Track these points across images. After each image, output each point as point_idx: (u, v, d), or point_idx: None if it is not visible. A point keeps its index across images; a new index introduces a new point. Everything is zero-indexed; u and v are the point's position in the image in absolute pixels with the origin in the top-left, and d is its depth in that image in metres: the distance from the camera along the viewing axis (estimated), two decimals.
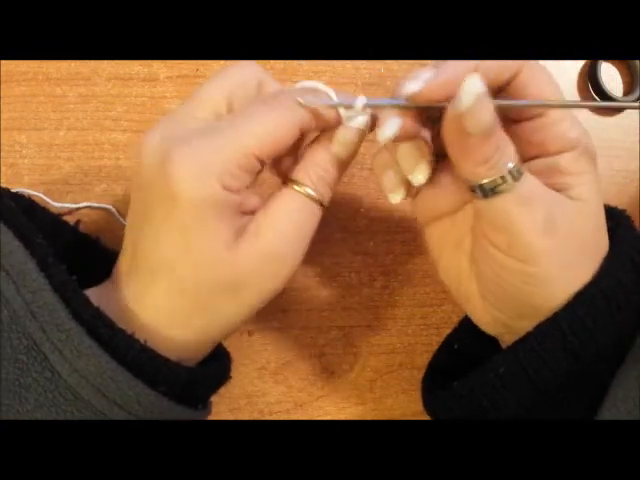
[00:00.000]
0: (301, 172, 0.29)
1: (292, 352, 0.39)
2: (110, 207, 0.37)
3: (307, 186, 0.28)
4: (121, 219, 0.37)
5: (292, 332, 0.39)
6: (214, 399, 0.37)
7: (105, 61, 0.38)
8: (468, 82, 0.24)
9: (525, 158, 0.28)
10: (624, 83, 0.44)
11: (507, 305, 0.29)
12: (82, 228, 0.34)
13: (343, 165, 0.29)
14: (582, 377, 0.27)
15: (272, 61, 0.40)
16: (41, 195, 0.36)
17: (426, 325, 0.40)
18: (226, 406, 0.38)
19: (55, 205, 0.36)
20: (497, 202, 0.26)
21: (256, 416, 0.38)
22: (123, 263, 0.29)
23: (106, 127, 0.38)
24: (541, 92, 0.27)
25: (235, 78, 0.29)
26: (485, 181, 0.26)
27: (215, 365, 0.30)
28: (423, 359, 0.40)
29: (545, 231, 0.26)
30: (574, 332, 0.26)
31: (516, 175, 0.26)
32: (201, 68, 0.39)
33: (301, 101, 0.28)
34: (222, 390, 0.37)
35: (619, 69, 0.44)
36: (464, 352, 0.34)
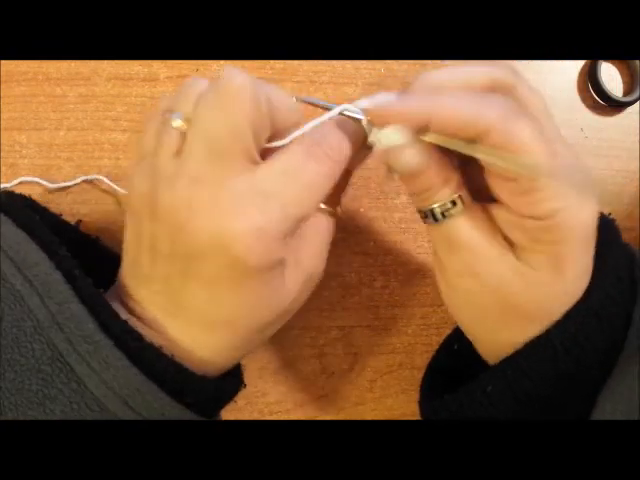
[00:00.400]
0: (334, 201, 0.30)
1: (292, 352, 0.39)
2: (103, 178, 0.37)
3: (328, 204, 0.29)
4: (114, 185, 0.37)
5: (292, 332, 0.39)
6: None
7: (105, 61, 0.38)
8: (384, 132, 0.25)
9: (499, 199, 0.27)
10: (624, 83, 0.44)
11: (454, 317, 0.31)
12: (82, 228, 0.34)
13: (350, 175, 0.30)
14: (569, 391, 0.27)
15: (272, 61, 0.40)
16: (37, 179, 0.36)
17: (426, 325, 0.40)
18: (226, 406, 0.38)
19: (50, 186, 0.36)
20: (429, 228, 0.28)
21: (256, 416, 0.38)
22: (153, 296, 0.27)
23: (106, 127, 0.38)
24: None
25: (245, 105, 0.25)
26: (416, 206, 0.28)
27: (234, 376, 0.30)
28: (423, 359, 0.40)
29: (464, 274, 0.27)
30: (567, 350, 0.26)
31: (438, 217, 0.27)
32: (201, 68, 0.39)
33: (298, 99, 0.28)
34: None
35: (619, 69, 0.44)
36: (464, 352, 0.34)
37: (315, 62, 0.40)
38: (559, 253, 0.25)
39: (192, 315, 0.27)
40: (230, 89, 0.25)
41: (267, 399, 0.38)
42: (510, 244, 0.27)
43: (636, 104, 0.43)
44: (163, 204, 0.25)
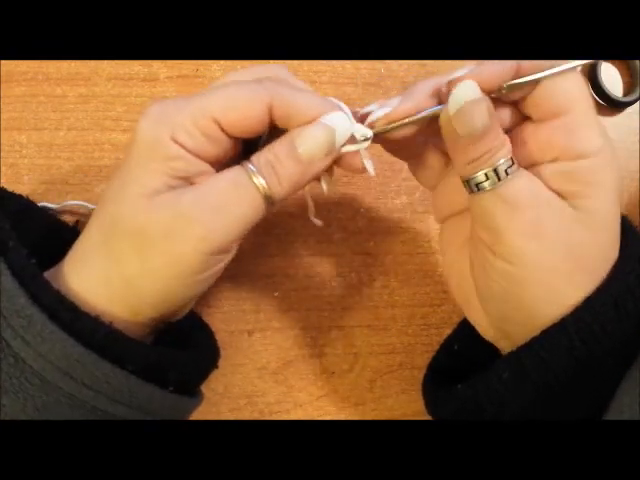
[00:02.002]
0: (255, 154, 0.28)
1: (292, 352, 0.39)
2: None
3: (255, 169, 0.27)
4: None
5: (292, 332, 0.39)
6: (214, 399, 0.38)
7: (105, 61, 0.38)
8: (457, 89, 0.26)
9: (542, 160, 0.28)
10: (624, 83, 0.44)
11: (495, 307, 0.29)
12: (81, 228, 0.34)
13: (301, 164, 0.27)
14: (586, 381, 0.27)
15: (272, 61, 0.40)
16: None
17: (426, 325, 0.40)
18: (226, 406, 0.38)
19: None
20: (481, 199, 0.27)
21: (256, 416, 0.38)
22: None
23: (106, 127, 0.38)
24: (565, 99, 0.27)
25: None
26: (471, 177, 0.27)
27: (191, 351, 0.30)
28: (423, 359, 0.40)
29: (529, 235, 0.27)
30: (582, 338, 0.26)
31: (502, 175, 0.26)
32: (201, 68, 0.39)
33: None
34: (222, 390, 0.38)
35: (619, 69, 0.44)
36: (464, 353, 0.34)
37: (315, 62, 0.40)
38: (608, 192, 0.27)
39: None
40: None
41: (267, 399, 0.38)
42: (561, 197, 0.27)
43: (636, 104, 0.43)
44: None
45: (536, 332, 0.27)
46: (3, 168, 0.37)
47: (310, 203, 0.32)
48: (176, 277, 0.27)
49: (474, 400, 0.28)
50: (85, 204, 0.37)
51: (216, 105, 0.26)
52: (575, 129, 0.27)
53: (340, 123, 0.27)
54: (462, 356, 0.34)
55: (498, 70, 0.26)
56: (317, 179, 0.29)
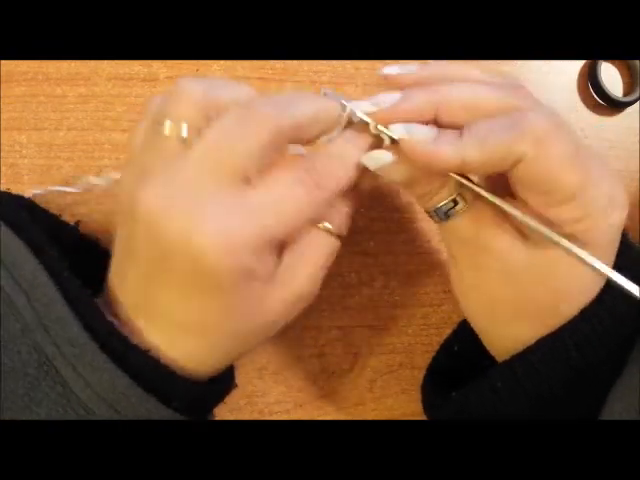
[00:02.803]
0: (333, 215, 0.28)
1: (292, 352, 0.39)
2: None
3: (334, 226, 0.28)
4: None
5: (292, 332, 0.39)
6: None
7: (105, 61, 0.38)
8: (367, 157, 0.27)
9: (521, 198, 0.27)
10: (624, 83, 0.44)
11: (471, 320, 0.31)
12: (82, 228, 0.34)
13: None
14: (580, 390, 0.27)
15: (272, 61, 0.40)
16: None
17: (426, 325, 0.40)
18: (226, 406, 0.38)
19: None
20: (438, 226, 0.29)
21: (256, 416, 0.38)
22: (129, 298, 0.27)
23: (106, 127, 0.38)
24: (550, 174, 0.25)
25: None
26: (423, 208, 0.28)
27: (224, 377, 0.30)
28: (423, 359, 0.40)
29: (473, 269, 0.28)
30: (579, 349, 0.26)
31: (441, 215, 0.27)
32: (201, 68, 0.39)
33: (326, 92, 0.28)
34: None
35: (619, 69, 0.44)
36: (464, 354, 0.34)
37: (315, 62, 0.40)
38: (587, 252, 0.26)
39: (165, 317, 0.26)
40: (256, 117, 0.25)
41: (267, 399, 0.38)
42: (521, 235, 0.27)
43: (636, 104, 0.43)
44: (143, 203, 0.24)
45: (495, 354, 0.29)
46: (3, 168, 0.37)
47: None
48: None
49: (467, 408, 0.28)
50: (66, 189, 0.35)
51: (274, 225, 0.25)
52: (555, 204, 0.25)
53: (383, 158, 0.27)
54: (462, 357, 0.34)
55: (409, 108, 0.26)
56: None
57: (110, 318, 0.26)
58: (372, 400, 0.39)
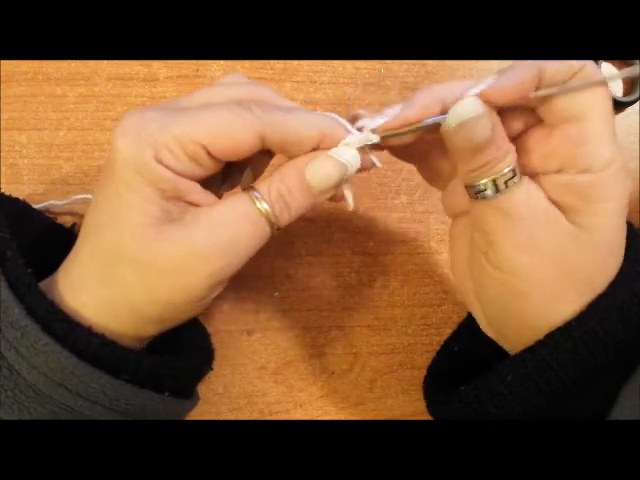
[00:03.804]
0: (263, 183, 0.27)
1: (292, 352, 0.39)
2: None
3: (263, 198, 0.27)
4: None
5: (292, 332, 0.39)
6: (214, 399, 0.38)
7: (105, 61, 0.38)
8: (457, 106, 0.26)
9: (548, 169, 0.27)
10: (624, 83, 0.44)
11: (491, 311, 0.29)
12: (78, 230, 0.34)
13: (312, 196, 0.28)
14: (590, 385, 0.27)
15: (272, 61, 0.40)
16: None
17: (426, 325, 0.40)
18: (226, 406, 0.38)
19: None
20: (480, 206, 0.27)
21: (256, 416, 0.38)
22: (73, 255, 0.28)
23: (106, 127, 0.38)
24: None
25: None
26: (472, 185, 0.27)
27: (186, 355, 0.30)
28: (423, 359, 0.40)
29: (521, 247, 0.27)
30: (585, 343, 0.26)
31: (501, 187, 0.26)
32: (201, 68, 0.39)
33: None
34: (222, 390, 0.38)
35: (619, 69, 0.44)
36: (464, 354, 0.34)
37: (315, 62, 0.40)
38: (610, 210, 0.26)
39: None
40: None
41: (267, 399, 0.38)
42: (562, 210, 0.27)
43: (636, 104, 0.43)
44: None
45: (528, 342, 0.28)
46: (3, 168, 0.37)
47: (350, 197, 0.30)
48: (182, 304, 0.27)
49: (477, 402, 0.28)
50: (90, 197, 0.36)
51: (204, 131, 0.25)
52: (584, 141, 0.26)
53: (351, 157, 0.27)
54: (462, 357, 0.34)
55: (517, 84, 0.26)
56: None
57: (55, 297, 0.26)
58: (372, 400, 0.39)
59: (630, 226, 0.29)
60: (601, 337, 0.26)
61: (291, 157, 0.28)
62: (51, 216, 0.34)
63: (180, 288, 0.26)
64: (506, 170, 0.26)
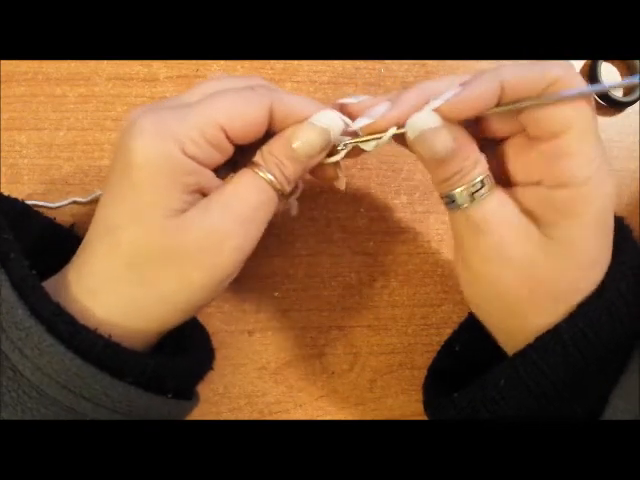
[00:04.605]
0: (259, 157, 0.28)
1: (292, 352, 0.39)
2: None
3: (267, 170, 0.28)
4: None
5: (292, 332, 0.39)
6: (214, 399, 0.37)
7: (105, 61, 0.38)
8: (413, 118, 0.26)
9: (526, 180, 0.27)
10: None
11: (476, 312, 0.30)
12: (81, 229, 0.34)
13: (302, 163, 0.28)
14: (581, 386, 0.27)
15: (272, 61, 0.40)
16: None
17: (426, 325, 0.40)
18: (226, 406, 0.38)
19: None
20: (453, 216, 0.28)
21: (256, 416, 0.38)
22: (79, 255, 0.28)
23: (106, 127, 0.38)
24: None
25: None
26: (444, 194, 0.28)
27: (188, 356, 0.30)
28: (423, 359, 0.40)
29: (490, 259, 0.27)
30: (576, 344, 0.26)
31: (470, 198, 0.27)
32: (201, 68, 0.39)
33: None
34: (222, 390, 0.38)
35: (619, 69, 0.44)
36: (465, 354, 0.34)
37: (315, 62, 0.40)
38: (586, 225, 0.26)
39: (89, 232, 0.27)
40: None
41: (267, 399, 0.38)
42: (534, 222, 0.27)
43: (636, 104, 0.43)
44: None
45: (513, 341, 0.28)
46: (3, 168, 0.37)
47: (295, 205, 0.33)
48: (214, 286, 0.27)
49: (471, 407, 0.28)
50: (80, 199, 0.36)
51: (222, 113, 0.26)
52: (562, 156, 0.26)
53: (329, 119, 0.28)
54: (463, 357, 0.34)
55: (475, 99, 0.25)
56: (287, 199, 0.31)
57: (62, 298, 0.26)
58: (372, 400, 0.39)
59: (621, 226, 0.29)
60: (591, 338, 0.26)
61: None
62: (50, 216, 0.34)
63: (211, 267, 0.27)
64: (476, 180, 0.26)
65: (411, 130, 0.26)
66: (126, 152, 0.26)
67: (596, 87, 0.26)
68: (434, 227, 0.41)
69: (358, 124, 0.28)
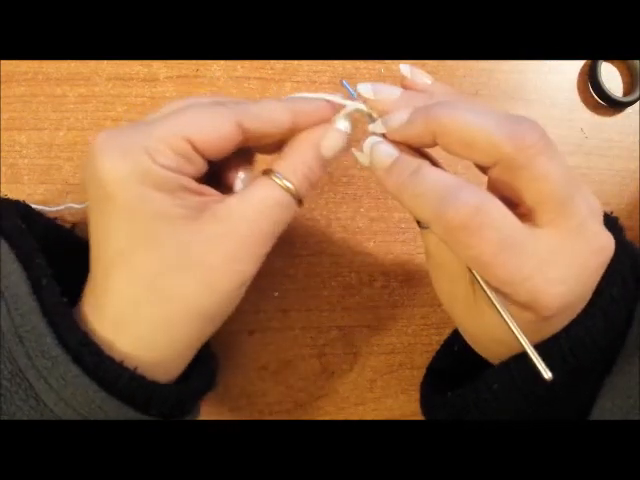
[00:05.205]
0: (286, 166, 0.28)
1: (292, 352, 0.39)
2: None
3: (290, 181, 0.27)
4: None
5: (292, 332, 0.39)
6: (214, 399, 0.37)
7: (105, 61, 0.38)
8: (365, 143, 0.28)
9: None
10: (624, 83, 0.44)
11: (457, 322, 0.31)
12: (81, 229, 0.34)
13: (326, 167, 0.29)
14: (574, 390, 0.27)
15: (272, 61, 0.40)
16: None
17: (426, 325, 0.40)
18: (226, 406, 0.38)
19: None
20: (422, 234, 0.29)
21: (256, 416, 0.38)
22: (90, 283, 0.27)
23: (106, 127, 0.38)
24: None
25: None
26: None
27: (201, 374, 0.29)
28: (423, 359, 0.40)
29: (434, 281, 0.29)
30: (572, 351, 0.26)
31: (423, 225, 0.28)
32: (201, 68, 0.39)
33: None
34: (222, 390, 0.38)
35: (619, 69, 0.44)
36: (464, 354, 0.34)
37: (315, 62, 0.40)
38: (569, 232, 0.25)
39: (93, 264, 0.27)
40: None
41: (267, 399, 0.38)
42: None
43: (636, 104, 0.43)
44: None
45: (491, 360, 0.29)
46: (3, 168, 0.37)
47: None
48: (237, 289, 0.27)
49: (464, 409, 0.28)
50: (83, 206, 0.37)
51: (186, 125, 0.26)
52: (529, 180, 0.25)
53: (345, 127, 0.29)
54: (462, 357, 0.34)
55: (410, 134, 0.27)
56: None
57: (86, 328, 0.25)
58: (372, 400, 0.39)
59: (615, 231, 0.28)
60: (588, 346, 0.26)
61: (267, 146, 0.29)
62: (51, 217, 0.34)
63: (235, 273, 0.26)
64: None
65: (365, 156, 0.28)
66: (95, 176, 0.25)
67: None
68: None
69: (375, 128, 0.28)
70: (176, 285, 0.25)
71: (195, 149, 0.26)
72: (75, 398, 0.24)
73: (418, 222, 0.29)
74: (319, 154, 0.28)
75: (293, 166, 0.28)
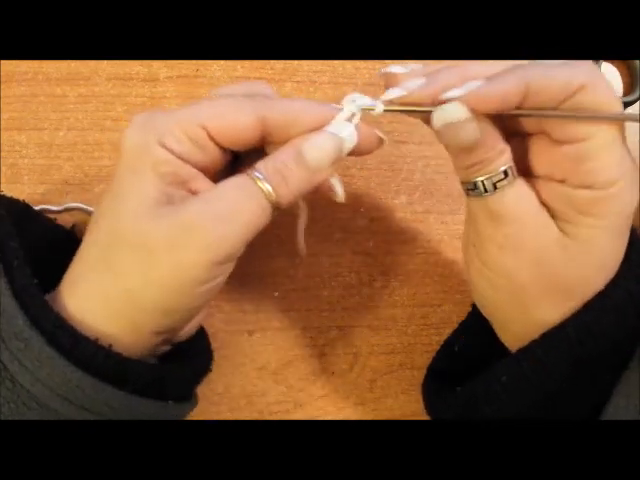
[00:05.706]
0: (260, 161, 0.27)
1: (292, 352, 0.39)
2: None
3: (262, 176, 0.26)
4: None
5: (292, 332, 0.39)
6: (214, 399, 0.38)
7: (105, 61, 0.38)
8: (439, 111, 0.26)
9: (551, 176, 0.27)
10: (624, 83, 0.44)
11: (480, 300, 0.30)
12: (81, 229, 0.34)
13: (309, 171, 0.27)
14: (584, 383, 0.27)
15: (272, 61, 0.40)
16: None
17: (426, 325, 0.40)
18: (226, 406, 0.38)
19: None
20: (472, 203, 0.28)
21: (256, 416, 0.38)
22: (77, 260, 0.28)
23: (106, 127, 0.38)
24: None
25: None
26: (464, 181, 0.28)
27: (188, 359, 0.30)
28: (423, 359, 0.40)
29: (505, 248, 0.27)
30: (580, 341, 0.26)
31: (491, 187, 0.26)
32: (201, 68, 0.39)
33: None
34: (222, 390, 0.38)
35: (619, 69, 0.44)
36: (464, 354, 0.34)
37: (315, 62, 0.40)
38: (605, 227, 0.26)
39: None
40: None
41: (267, 399, 0.38)
42: (554, 217, 0.27)
43: (636, 104, 0.43)
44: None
45: (510, 343, 0.28)
46: (3, 168, 0.37)
47: (338, 187, 0.30)
48: (179, 287, 0.25)
49: (473, 402, 0.28)
50: (84, 206, 0.37)
51: (204, 113, 0.26)
52: (587, 158, 0.25)
53: (346, 132, 0.28)
54: (462, 357, 0.34)
55: (500, 96, 0.25)
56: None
57: (59, 307, 0.25)
58: (372, 400, 0.39)
59: (632, 229, 0.28)
60: (597, 337, 0.26)
61: None
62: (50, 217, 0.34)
63: (176, 266, 0.25)
64: (500, 170, 0.26)
65: (438, 120, 0.26)
66: (121, 142, 0.27)
67: (625, 115, 0.26)
68: (434, 227, 0.41)
69: (391, 95, 0.27)
70: (119, 262, 0.25)
71: (210, 137, 0.26)
72: (52, 379, 0.24)
73: (477, 186, 0.27)
74: (298, 153, 0.27)
75: (267, 162, 0.27)
